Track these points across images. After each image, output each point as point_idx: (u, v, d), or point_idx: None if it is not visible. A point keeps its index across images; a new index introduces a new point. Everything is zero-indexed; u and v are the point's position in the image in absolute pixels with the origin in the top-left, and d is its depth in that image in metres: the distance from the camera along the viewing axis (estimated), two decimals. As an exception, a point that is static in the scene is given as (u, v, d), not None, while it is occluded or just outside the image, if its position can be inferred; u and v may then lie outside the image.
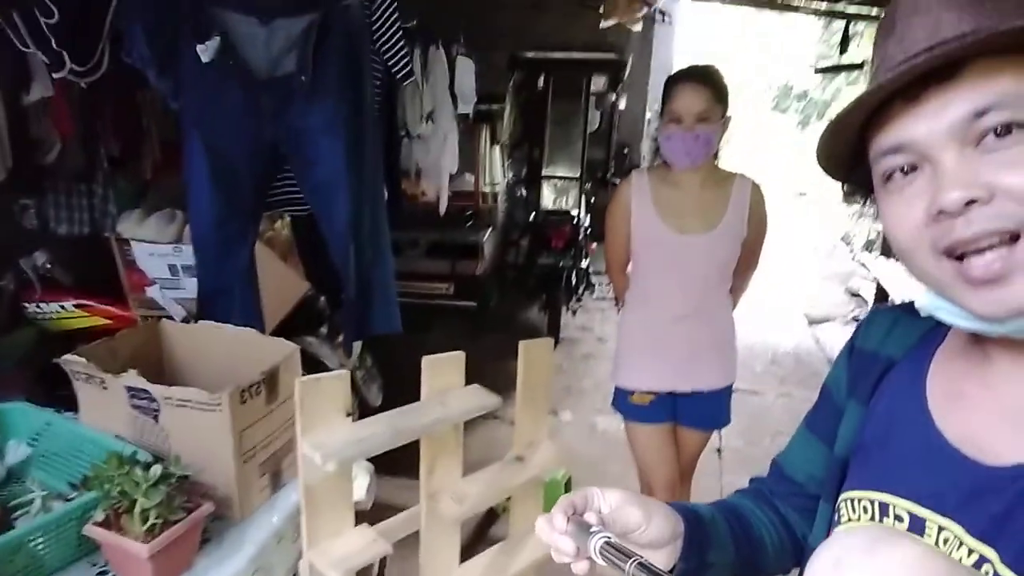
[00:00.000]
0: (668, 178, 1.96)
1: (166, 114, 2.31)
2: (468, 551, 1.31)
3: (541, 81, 5.32)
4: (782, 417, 3.93)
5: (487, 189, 5.16)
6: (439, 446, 1.21)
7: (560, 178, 5.69)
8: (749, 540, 0.78)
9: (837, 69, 7.24)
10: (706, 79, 1.84)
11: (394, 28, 2.27)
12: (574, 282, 5.16)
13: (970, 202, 0.51)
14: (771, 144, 10.85)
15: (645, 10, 4.97)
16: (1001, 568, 0.52)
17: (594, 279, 5.67)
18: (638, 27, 5.35)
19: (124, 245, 2.38)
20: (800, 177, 9.94)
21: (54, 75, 1.93)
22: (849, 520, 0.65)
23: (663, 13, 5.75)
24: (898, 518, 0.60)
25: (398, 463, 1.39)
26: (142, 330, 1.57)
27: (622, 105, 5.78)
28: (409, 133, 3.51)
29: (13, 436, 1.33)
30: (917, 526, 0.59)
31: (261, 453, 1.30)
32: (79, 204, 2.39)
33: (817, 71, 8.12)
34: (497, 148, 5.16)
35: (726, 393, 2.12)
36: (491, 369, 1.64)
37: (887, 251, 5.63)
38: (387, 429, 1.11)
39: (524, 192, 5.75)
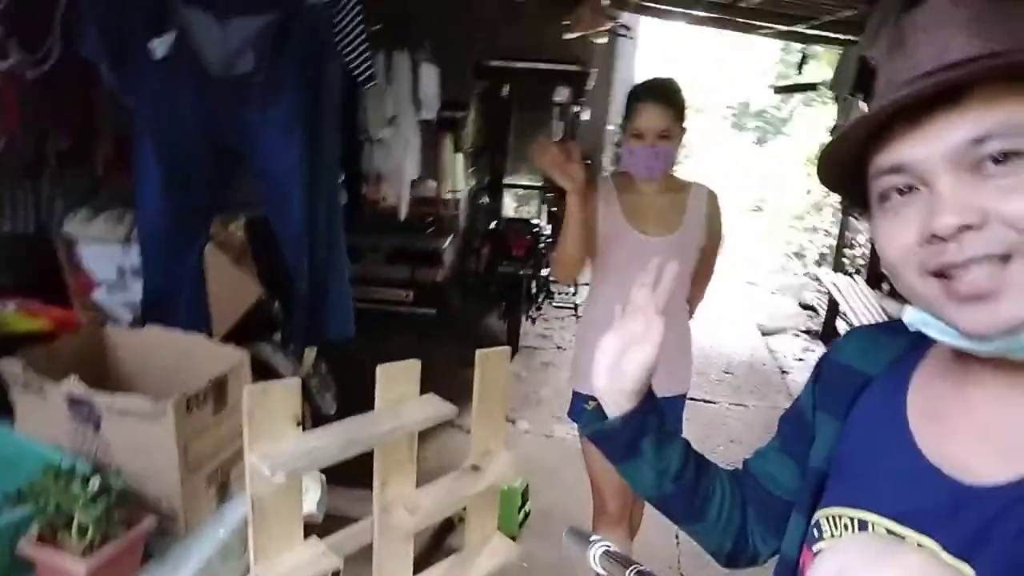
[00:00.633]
0: (629, 185, 2.02)
1: (122, 109, 2.24)
2: (423, 562, 1.29)
3: (506, 90, 5.34)
4: (736, 425, 4.00)
5: (449, 196, 5.15)
6: (393, 456, 1.18)
7: (522, 187, 5.73)
8: (696, 486, 0.80)
9: (794, 88, 7.42)
10: (668, 98, 1.92)
11: (357, 31, 2.24)
12: (534, 290, 5.19)
13: (964, 227, 0.52)
14: (729, 160, 11.09)
15: (609, 25, 5.06)
16: None
17: (554, 287, 5.71)
18: (602, 40, 5.44)
19: (71, 247, 2.29)
20: (756, 193, 10.18)
21: (-1, 65, 1.85)
22: (832, 536, 0.65)
23: (627, 28, 5.84)
24: None
25: (351, 473, 1.36)
26: (85, 334, 1.51)
27: (585, 116, 5.83)
28: (371, 137, 3.49)
29: (-59, 445, 1.26)
30: None
31: (208, 464, 1.26)
32: (24, 201, 2.28)
33: (776, 91, 8.27)
34: (460, 155, 5.15)
35: (680, 401, 2.15)
36: (449, 376, 1.63)
37: (839, 266, 5.80)
38: (339, 439, 1.08)
39: (486, 200, 5.75)
